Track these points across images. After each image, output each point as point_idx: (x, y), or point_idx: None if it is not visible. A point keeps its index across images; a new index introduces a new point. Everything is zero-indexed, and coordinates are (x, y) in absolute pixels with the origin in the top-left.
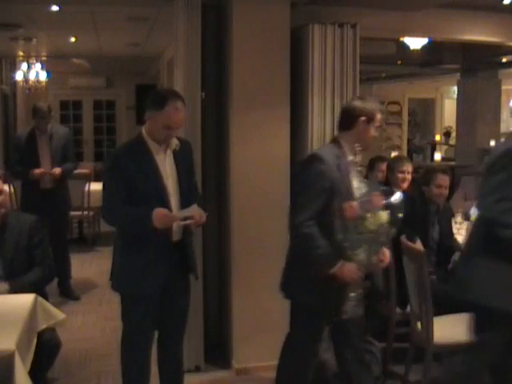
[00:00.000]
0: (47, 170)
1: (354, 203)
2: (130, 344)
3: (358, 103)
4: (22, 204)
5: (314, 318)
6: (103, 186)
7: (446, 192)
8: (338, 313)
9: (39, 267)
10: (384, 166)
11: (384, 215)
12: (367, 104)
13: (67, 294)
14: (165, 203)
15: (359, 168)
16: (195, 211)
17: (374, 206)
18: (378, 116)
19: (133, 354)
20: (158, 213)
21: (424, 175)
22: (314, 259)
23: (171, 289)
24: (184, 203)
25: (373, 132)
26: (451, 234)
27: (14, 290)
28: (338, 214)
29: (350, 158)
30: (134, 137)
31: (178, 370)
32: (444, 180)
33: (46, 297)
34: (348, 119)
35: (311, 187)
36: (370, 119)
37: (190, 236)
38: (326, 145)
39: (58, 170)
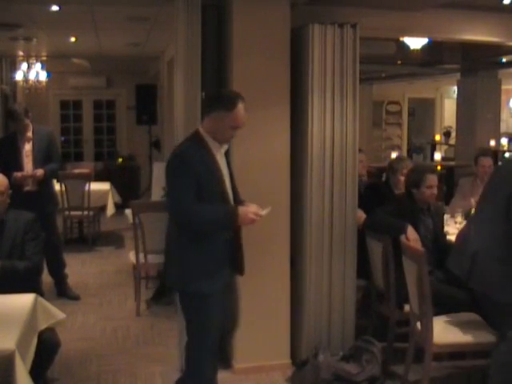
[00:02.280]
0: (30, 171)
1: None
2: (203, 345)
3: None
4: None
5: None
6: (171, 186)
7: (436, 191)
8: None
9: (27, 260)
10: (361, 157)
11: None
12: None
13: (66, 294)
14: (226, 201)
15: None
16: (250, 204)
17: None
18: None
19: (209, 355)
20: (246, 210)
21: (411, 177)
22: None
23: (227, 285)
24: (236, 201)
25: None
26: (443, 232)
27: (3, 269)
28: None
29: None
30: (190, 136)
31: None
32: (434, 180)
33: (41, 294)
34: None
35: None
36: None
37: (239, 232)
38: None
39: (39, 172)
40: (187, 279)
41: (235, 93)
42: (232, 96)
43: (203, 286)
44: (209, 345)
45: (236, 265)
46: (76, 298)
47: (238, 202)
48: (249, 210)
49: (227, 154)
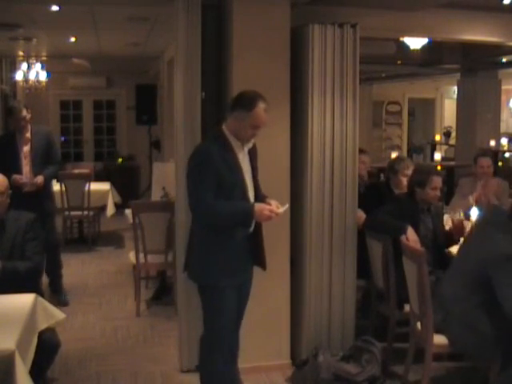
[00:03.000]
0: (28, 173)
1: None
2: (216, 339)
3: None
4: None
5: None
6: (192, 182)
7: (439, 193)
8: None
9: (28, 261)
10: (364, 158)
11: None
12: None
13: (57, 295)
14: (246, 198)
15: None
16: (271, 202)
17: None
18: None
19: (222, 348)
20: (262, 208)
21: (417, 177)
22: None
23: (245, 279)
24: (258, 198)
25: None
26: (443, 232)
27: (5, 270)
28: None
29: None
30: (213, 134)
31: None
32: (439, 182)
33: (41, 294)
34: None
35: None
36: None
37: (260, 228)
38: None
39: (40, 179)
40: (207, 274)
41: (256, 93)
42: (252, 96)
43: (221, 282)
44: (222, 339)
45: (258, 260)
46: (64, 303)
47: (261, 197)
48: (265, 207)
49: (253, 152)
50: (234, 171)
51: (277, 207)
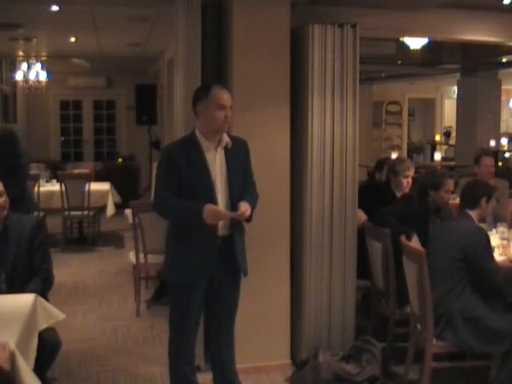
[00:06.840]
0: None
1: None
2: (175, 331)
3: None
4: None
5: None
6: (156, 178)
7: (451, 195)
8: None
9: (37, 276)
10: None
11: None
12: None
13: None
14: (212, 199)
15: None
16: (241, 205)
17: None
18: None
19: (185, 348)
20: (209, 209)
21: (431, 179)
22: None
23: (218, 284)
24: (234, 200)
25: None
26: None
27: None
28: None
29: None
30: (187, 134)
31: (222, 369)
32: (452, 185)
33: (47, 299)
34: None
35: None
36: None
37: (240, 232)
38: None
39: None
40: (169, 270)
41: (208, 82)
42: (204, 84)
43: (176, 276)
44: (183, 336)
45: (234, 265)
46: None
47: (236, 201)
48: (213, 209)
49: (238, 152)
50: (199, 172)
51: (245, 208)
